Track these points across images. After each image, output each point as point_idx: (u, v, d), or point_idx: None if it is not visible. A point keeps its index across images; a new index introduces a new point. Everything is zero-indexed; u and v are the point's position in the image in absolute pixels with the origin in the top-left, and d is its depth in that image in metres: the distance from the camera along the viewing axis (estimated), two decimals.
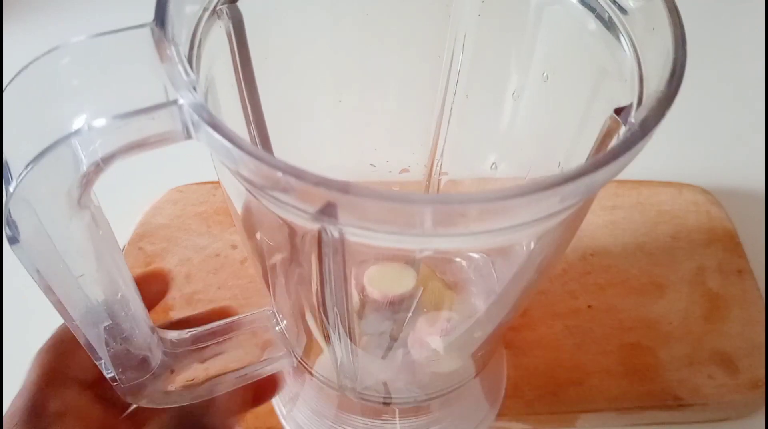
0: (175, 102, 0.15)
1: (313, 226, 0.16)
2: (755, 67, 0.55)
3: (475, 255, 0.31)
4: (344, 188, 0.14)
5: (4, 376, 0.36)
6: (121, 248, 0.40)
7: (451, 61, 0.29)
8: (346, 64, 0.29)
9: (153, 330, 0.23)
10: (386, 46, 0.29)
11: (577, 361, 0.37)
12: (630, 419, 0.37)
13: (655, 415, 0.37)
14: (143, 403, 0.24)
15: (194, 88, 0.15)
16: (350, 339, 0.23)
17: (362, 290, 0.29)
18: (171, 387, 0.25)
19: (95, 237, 0.18)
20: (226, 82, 0.23)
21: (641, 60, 0.18)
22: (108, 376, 0.22)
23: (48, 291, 0.18)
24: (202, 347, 0.25)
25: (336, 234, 0.16)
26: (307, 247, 0.18)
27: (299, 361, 0.29)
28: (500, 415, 0.35)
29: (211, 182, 0.44)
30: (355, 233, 0.16)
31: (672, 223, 0.43)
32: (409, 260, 0.30)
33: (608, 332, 0.38)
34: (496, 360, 0.36)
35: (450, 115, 0.31)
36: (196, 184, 0.44)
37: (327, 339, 0.24)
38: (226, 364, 0.27)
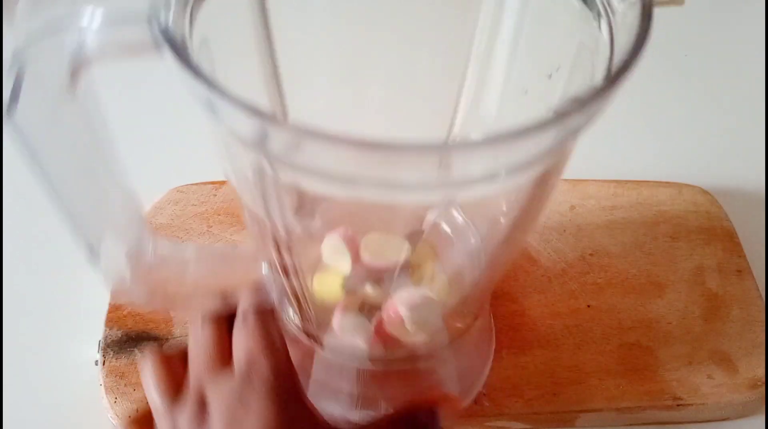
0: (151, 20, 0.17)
1: (253, 158, 0.18)
2: (755, 67, 0.56)
3: (458, 218, 0.32)
4: (272, 118, 0.15)
5: (4, 375, 0.36)
6: None
7: (468, 58, 0.29)
8: (358, 57, 0.29)
9: (146, 226, 0.25)
10: (401, 42, 0.29)
11: (576, 361, 0.37)
12: (629, 419, 0.37)
13: (654, 415, 0.37)
14: (125, 300, 0.25)
15: (170, 14, 0.17)
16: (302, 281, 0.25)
17: (357, 252, 0.29)
18: (153, 291, 0.26)
19: (88, 127, 0.20)
20: (226, 46, 0.24)
21: (614, 38, 0.19)
22: (96, 266, 0.23)
23: (42, 173, 0.20)
24: (190, 267, 0.26)
25: (271, 170, 0.17)
26: (262, 186, 0.20)
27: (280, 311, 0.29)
28: (500, 415, 0.36)
29: (212, 182, 0.44)
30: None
31: (671, 223, 0.43)
32: (408, 235, 0.30)
33: (607, 332, 0.38)
34: (483, 321, 0.36)
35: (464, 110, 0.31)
36: (197, 184, 0.44)
37: (286, 276, 0.25)
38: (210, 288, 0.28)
